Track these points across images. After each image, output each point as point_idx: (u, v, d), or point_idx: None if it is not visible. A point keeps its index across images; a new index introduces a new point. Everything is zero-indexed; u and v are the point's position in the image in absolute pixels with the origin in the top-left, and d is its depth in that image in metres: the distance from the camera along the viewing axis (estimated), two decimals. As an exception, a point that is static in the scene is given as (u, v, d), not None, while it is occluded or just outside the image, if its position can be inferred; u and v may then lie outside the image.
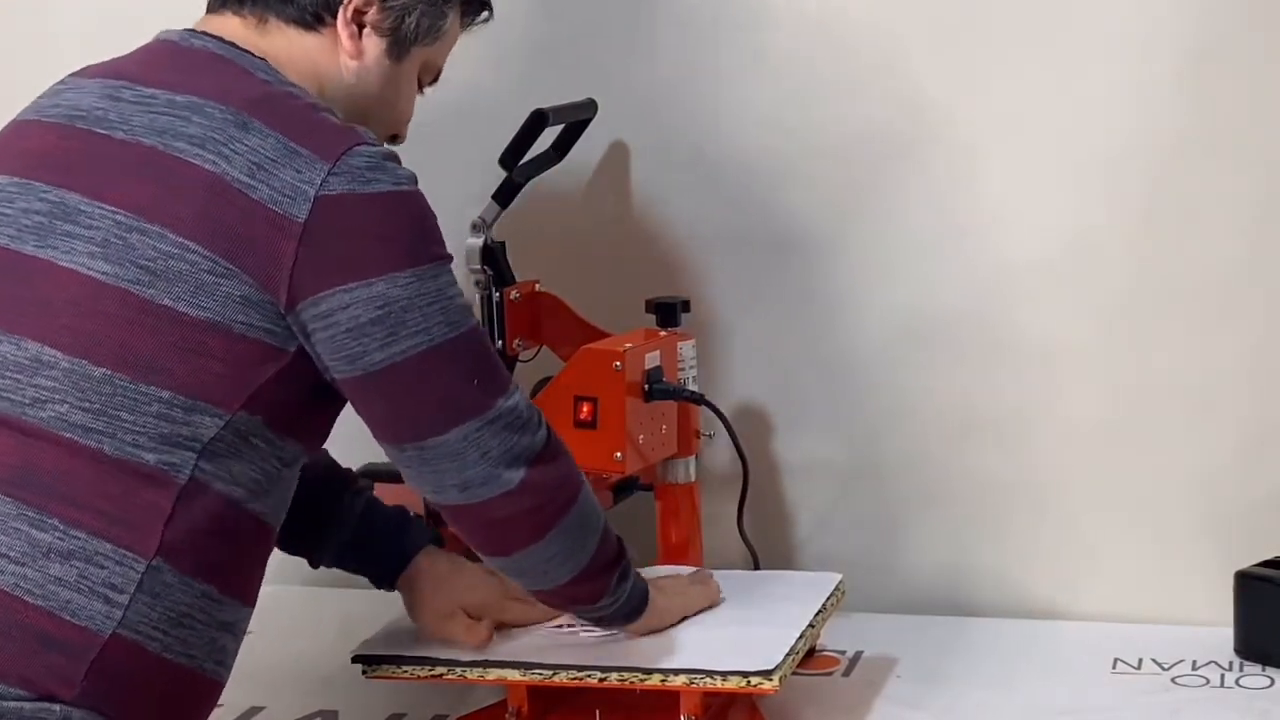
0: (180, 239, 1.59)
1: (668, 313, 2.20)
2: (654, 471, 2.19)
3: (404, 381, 1.65)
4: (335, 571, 1.96)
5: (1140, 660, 2.12)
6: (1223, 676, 2.06)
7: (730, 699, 1.91)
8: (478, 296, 2.18)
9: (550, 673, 1.84)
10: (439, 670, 1.88)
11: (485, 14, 1.92)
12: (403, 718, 2.04)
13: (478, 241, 2.17)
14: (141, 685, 1.57)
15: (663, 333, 2.18)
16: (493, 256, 2.17)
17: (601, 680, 1.84)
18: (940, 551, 2.34)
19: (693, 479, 2.21)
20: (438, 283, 1.65)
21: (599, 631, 1.89)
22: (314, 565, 1.96)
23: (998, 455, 2.30)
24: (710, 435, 2.21)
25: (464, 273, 2.18)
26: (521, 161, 2.20)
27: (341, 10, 1.77)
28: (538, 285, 2.23)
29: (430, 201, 1.68)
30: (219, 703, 1.67)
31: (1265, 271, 2.19)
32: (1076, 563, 2.29)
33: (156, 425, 1.58)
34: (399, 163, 1.67)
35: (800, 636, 1.89)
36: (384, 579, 1.94)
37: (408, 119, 1.88)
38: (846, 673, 2.12)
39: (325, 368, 1.65)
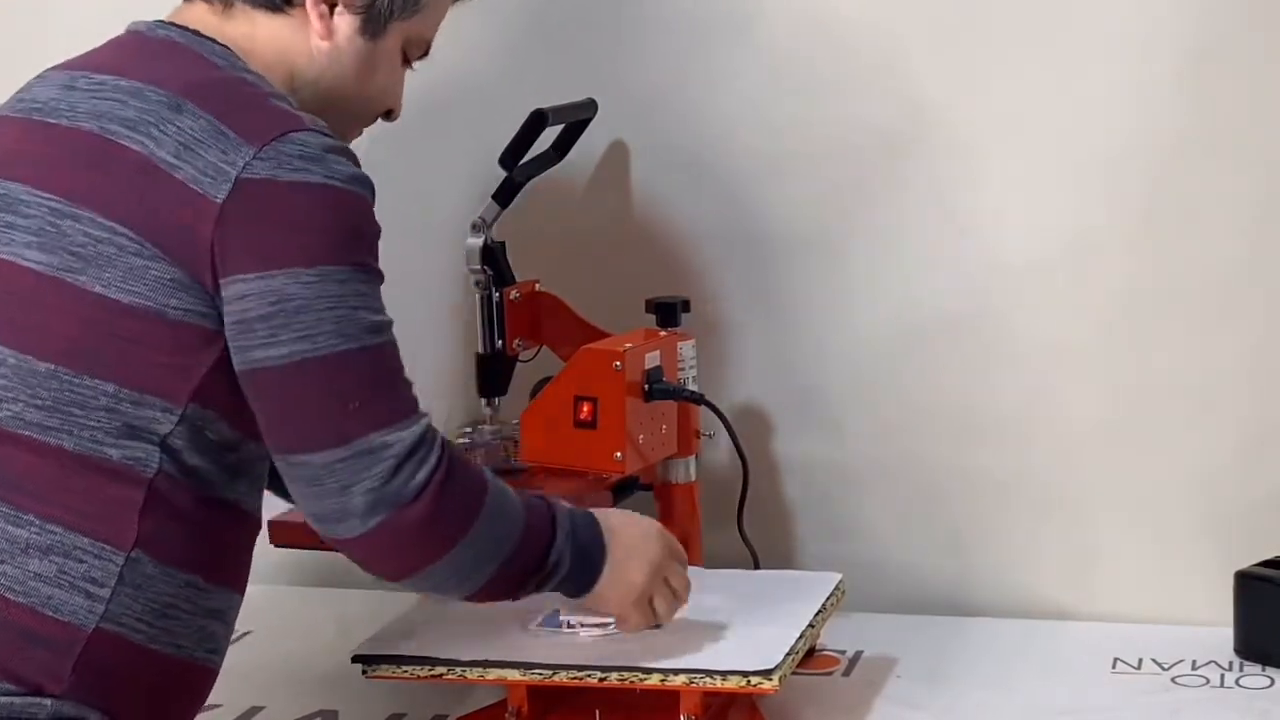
0: (110, 222, 1.55)
1: (668, 313, 2.20)
2: (654, 471, 2.19)
3: (276, 387, 1.55)
4: (334, 571, 1.95)
5: (1140, 660, 2.11)
6: (1223, 676, 2.06)
7: (730, 699, 1.91)
8: (478, 297, 2.18)
9: (550, 673, 1.84)
10: (439, 670, 1.87)
11: None
12: (403, 718, 2.03)
13: (478, 241, 2.17)
14: (130, 677, 1.56)
15: (663, 333, 2.18)
16: (493, 256, 2.17)
17: (601, 680, 1.83)
18: (940, 551, 2.34)
19: (693, 479, 2.22)
20: (344, 289, 1.54)
21: (599, 631, 1.88)
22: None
23: (998, 455, 2.30)
24: (710, 435, 2.21)
25: (464, 273, 2.19)
26: (521, 161, 2.20)
27: None
28: (538, 285, 2.23)
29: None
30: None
31: (1265, 271, 2.19)
32: (1076, 563, 2.29)
33: (109, 420, 1.54)
34: (350, 161, 1.59)
35: (800, 636, 1.89)
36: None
37: (397, 96, 1.80)
38: (846, 673, 2.12)
39: None
